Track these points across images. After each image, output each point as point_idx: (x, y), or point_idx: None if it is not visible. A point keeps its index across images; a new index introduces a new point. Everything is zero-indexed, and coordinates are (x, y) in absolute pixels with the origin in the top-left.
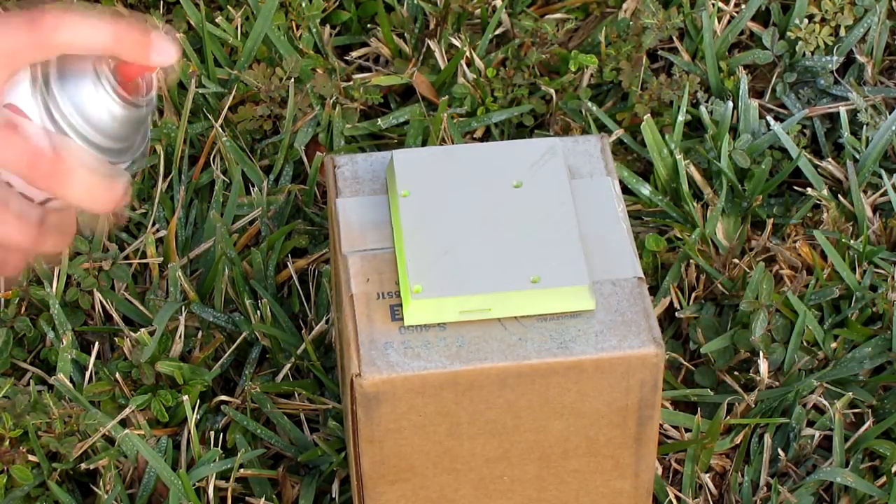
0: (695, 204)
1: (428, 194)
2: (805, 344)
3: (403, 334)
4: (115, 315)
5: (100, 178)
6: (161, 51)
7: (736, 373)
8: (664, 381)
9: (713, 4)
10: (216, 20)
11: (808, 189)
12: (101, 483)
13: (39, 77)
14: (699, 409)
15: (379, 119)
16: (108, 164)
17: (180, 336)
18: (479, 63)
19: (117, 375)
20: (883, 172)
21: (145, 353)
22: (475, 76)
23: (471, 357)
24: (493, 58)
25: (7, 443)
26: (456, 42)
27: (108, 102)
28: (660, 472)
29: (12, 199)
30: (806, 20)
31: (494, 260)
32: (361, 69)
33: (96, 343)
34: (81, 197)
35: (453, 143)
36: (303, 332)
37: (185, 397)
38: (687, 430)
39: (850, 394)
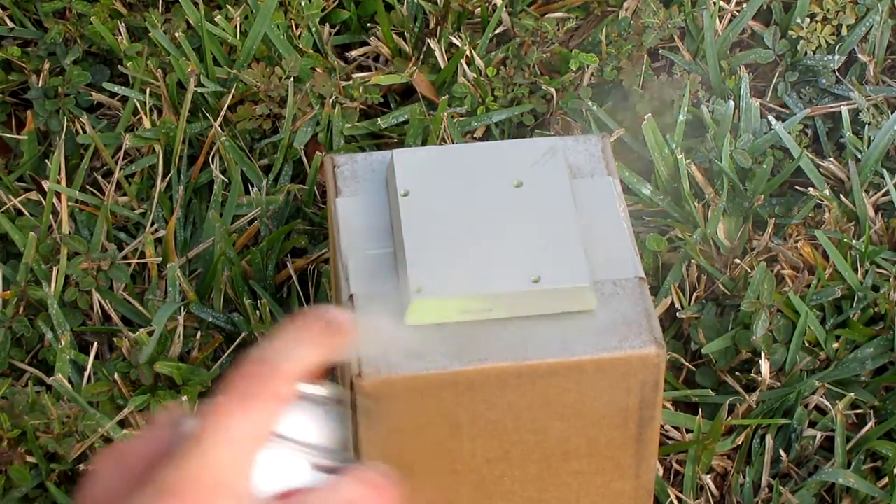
0: (696, 204)
1: (428, 194)
2: (807, 344)
3: (403, 334)
4: (113, 315)
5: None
6: (340, 329)
7: (737, 373)
8: (665, 382)
9: (714, 3)
10: (215, 19)
11: (810, 189)
12: None
13: (273, 440)
14: (700, 409)
15: (379, 118)
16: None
17: (179, 336)
18: (479, 62)
19: (116, 376)
20: (885, 172)
21: (144, 353)
22: (475, 75)
23: (471, 357)
24: (494, 57)
25: (5, 443)
26: (456, 41)
27: (333, 417)
28: (661, 473)
29: None
30: (808, 19)
31: (495, 260)
32: (361, 68)
33: (95, 343)
34: None
35: (453, 143)
36: None
37: (184, 398)
38: (688, 431)
39: (852, 394)
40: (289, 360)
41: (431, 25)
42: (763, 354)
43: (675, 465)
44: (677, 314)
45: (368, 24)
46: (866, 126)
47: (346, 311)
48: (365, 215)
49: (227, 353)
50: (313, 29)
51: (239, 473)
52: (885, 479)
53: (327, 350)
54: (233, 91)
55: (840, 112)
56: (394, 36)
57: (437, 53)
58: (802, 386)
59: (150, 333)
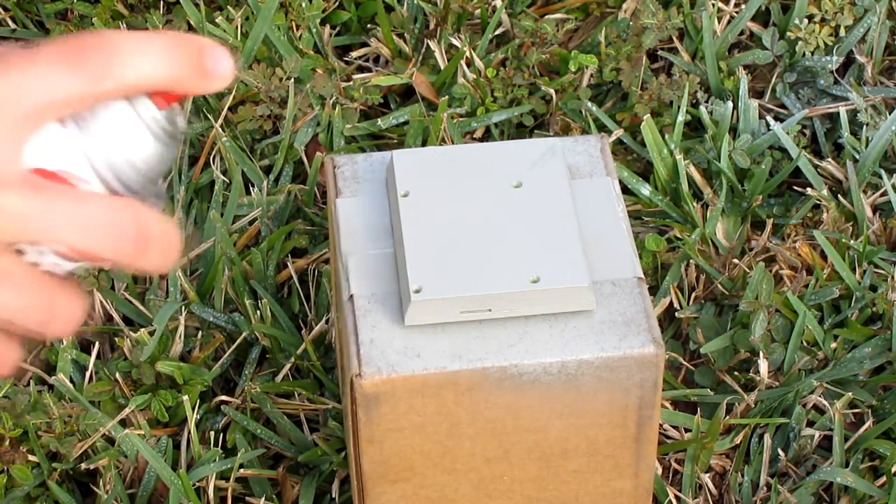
0: (695, 204)
1: (428, 194)
2: (805, 344)
3: (403, 334)
4: (115, 315)
5: (173, 236)
6: (219, 72)
7: (736, 373)
8: (664, 381)
9: (713, 4)
10: (216, 20)
11: (808, 189)
12: (101, 483)
13: (70, 123)
14: (699, 409)
15: (379, 119)
16: (163, 216)
17: (180, 336)
18: (478, 63)
19: (117, 375)
20: (883, 172)
21: (145, 353)
22: (475, 76)
23: (471, 357)
24: (493, 58)
25: (7, 443)
26: (456, 42)
27: (153, 143)
28: (660, 471)
29: (28, 277)
30: (806, 20)
31: (494, 260)
32: (361, 69)
33: (96, 343)
34: (154, 263)
35: (453, 143)
36: (303, 332)
37: (185, 397)
38: (687, 430)
39: (850, 394)
40: (134, 57)
41: (431, 26)
42: (761, 354)
43: (674, 464)
44: (676, 314)
45: (369, 25)
46: (864, 127)
47: (228, 59)
48: (365, 216)
49: (227, 353)
50: (314, 30)
51: (18, 124)
52: (883, 478)
53: (185, 79)
54: (233, 92)
55: (838, 113)
56: (394, 37)
57: (437, 54)
58: (801, 385)
59: (152, 333)
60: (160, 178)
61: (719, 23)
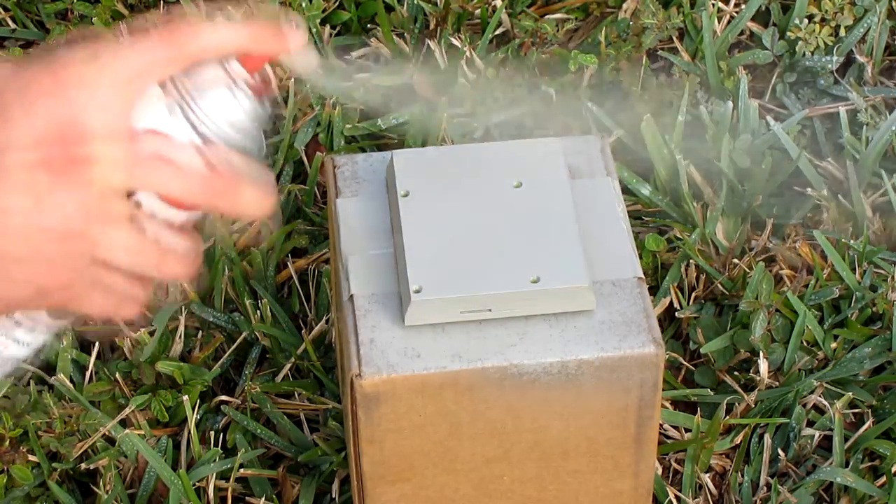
0: (695, 204)
1: (428, 194)
2: (805, 344)
3: (403, 334)
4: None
5: (263, 183)
6: (294, 33)
7: (736, 373)
8: (664, 381)
9: (713, 4)
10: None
11: (808, 189)
12: (101, 483)
13: (170, 86)
14: (699, 409)
15: (379, 119)
16: (258, 165)
17: (180, 336)
18: (479, 63)
19: (117, 375)
20: (883, 172)
21: (145, 353)
22: (475, 76)
23: (471, 357)
24: (493, 58)
25: (7, 443)
26: (456, 42)
27: (244, 100)
28: (660, 472)
29: (147, 225)
30: (806, 20)
31: (494, 260)
32: (361, 69)
33: (96, 343)
34: (250, 207)
35: (453, 143)
36: (303, 332)
37: (185, 397)
38: (687, 430)
39: (850, 394)
40: (217, 25)
41: (431, 26)
42: (761, 354)
43: (674, 464)
44: (676, 314)
45: (369, 25)
46: (864, 127)
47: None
48: (365, 216)
49: (227, 353)
50: (314, 30)
51: (122, 86)
52: (883, 478)
53: (266, 40)
54: None
55: (838, 113)
56: (394, 37)
57: (437, 54)
58: (801, 385)
59: (152, 333)
60: (257, 132)
61: (719, 23)
